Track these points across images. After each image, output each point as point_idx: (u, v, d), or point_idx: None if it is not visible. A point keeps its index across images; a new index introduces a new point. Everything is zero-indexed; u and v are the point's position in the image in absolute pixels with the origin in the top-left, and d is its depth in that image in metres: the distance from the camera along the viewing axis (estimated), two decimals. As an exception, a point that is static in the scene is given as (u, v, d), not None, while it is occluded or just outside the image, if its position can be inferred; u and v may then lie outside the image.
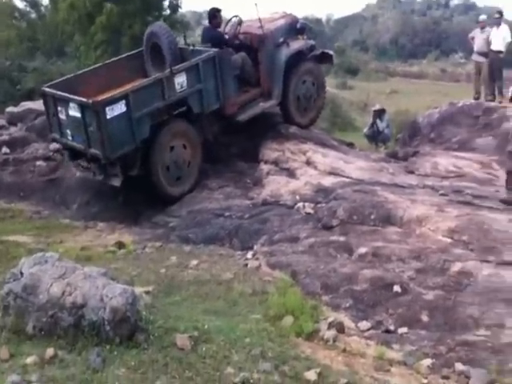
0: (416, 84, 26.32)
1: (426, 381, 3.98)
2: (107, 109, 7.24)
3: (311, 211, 7.21)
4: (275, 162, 8.85)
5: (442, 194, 7.53)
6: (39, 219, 7.85)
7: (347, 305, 5.05)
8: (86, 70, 9.52)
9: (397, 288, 5.14)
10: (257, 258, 6.13)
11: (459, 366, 4.05)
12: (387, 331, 4.66)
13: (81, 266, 4.61)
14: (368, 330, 4.68)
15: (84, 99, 7.43)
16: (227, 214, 7.42)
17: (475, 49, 12.30)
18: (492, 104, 11.30)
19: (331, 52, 10.20)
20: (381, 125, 12.62)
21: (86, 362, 3.75)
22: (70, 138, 7.97)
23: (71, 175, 8.91)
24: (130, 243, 6.72)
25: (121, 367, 3.78)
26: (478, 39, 12.19)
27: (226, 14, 9.56)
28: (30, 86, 13.26)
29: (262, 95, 9.22)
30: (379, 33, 58.42)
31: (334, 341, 4.47)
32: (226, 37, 8.95)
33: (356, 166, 8.64)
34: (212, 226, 7.13)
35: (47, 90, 8.21)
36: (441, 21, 64.09)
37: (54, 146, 9.36)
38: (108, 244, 6.68)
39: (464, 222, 6.29)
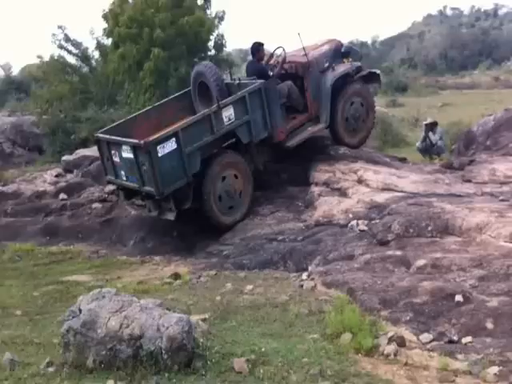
0: (468, 94, 25.68)
1: (493, 389, 3.78)
2: (158, 147, 7.50)
3: (365, 228, 7.10)
4: (326, 184, 8.80)
5: (502, 200, 7.27)
6: (97, 258, 8.05)
7: (407, 318, 4.86)
8: (136, 113, 9.88)
9: (459, 297, 4.92)
10: (312, 279, 6.04)
11: (528, 372, 3.82)
12: (450, 342, 4.45)
13: (137, 298, 4.70)
14: (430, 341, 4.48)
15: (135, 140, 7.72)
16: (280, 237, 7.42)
17: None
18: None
19: (378, 71, 10.31)
20: (433, 137, 12.35)
21: (146, 390, 3.79)
22: (124, 178, 8.28)
23: (126, 214, 9.15)
24: (186, 274, 6.77)
25: (179, 394, 3.79)
26: None
27: (271, 47, 9.82)
28: (84, 135, 13.80)
29: (310, 120, 9.43)
30: (427, 49, 57.67)
31: (395, 355, 4.32)
32: (270, 70, 9.14)
33: (410, 180, 8.48)
34: (265, 251, 7.12)
35: (101, 135, 8.61)
36: (490, 30, 62.80)
37: (109, 188, 9.69)
38: (164, 276, 6.75)
39: (527, 225, 6.01)
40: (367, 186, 8.41)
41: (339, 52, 9.72)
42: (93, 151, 11.32)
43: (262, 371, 4.06)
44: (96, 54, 22.00)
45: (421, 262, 5.84)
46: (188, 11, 20.49)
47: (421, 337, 4.56)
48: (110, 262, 7.74)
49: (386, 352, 4.37)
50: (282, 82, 9.14)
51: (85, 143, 13.37)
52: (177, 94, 10.05)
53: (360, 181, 8.59)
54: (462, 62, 53.08)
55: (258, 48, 9.27)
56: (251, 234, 7.75)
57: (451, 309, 4.85)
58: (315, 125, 9.41)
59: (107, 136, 8.44)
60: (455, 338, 4.49)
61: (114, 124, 9.36)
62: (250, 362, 4.16)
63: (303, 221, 7.94)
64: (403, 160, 10.62)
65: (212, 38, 22.06)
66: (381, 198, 7.82)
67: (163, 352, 4.08)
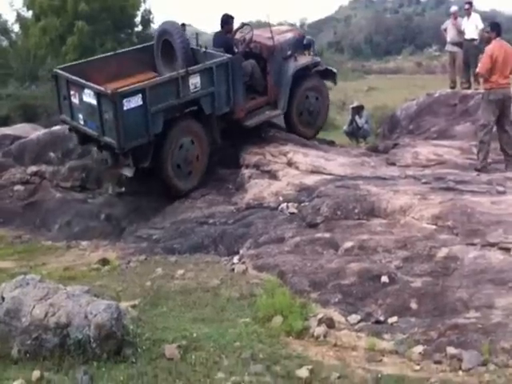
0: (393, 79, 26.48)
1: (418, 367, 3.94)
2: (124, 100, 7.42)
3: (295, 211, 7.18)
4: (256, 166, 8.81)
5: (424, 183, 7.53)
6: (20, 243, 7.73)
7: (336, 300, 4.99)
8: (96, 57, 9.87)
9: (384, 278, 5.10)
10: (243, 262, 6.07)
11: (451, 350, 4.00)
12: (377, 322, 4.61)
13: (64, 285, 4.56)
14: (358, 322, 4.62)
15: (102, 88, 7.60)
16: (211, 221, 7.38)
17: (448, 39, 12.54)
18: (468, 91, 11.42)
19: (335, 70, 10.47)
20: (360, 121, 12.61)
21: (74, 380, 3.71)
22: (81, 122, 8.10)
23: (50, 197, 8.82)
24: (115, 259, 6.64)
25: (109, 383, 3.72)
26: (450, 30, 12.45)
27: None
28: (4, 113, 13.23)
29: (269, 104, 9.50)
30: (353, 33, 58.74)
31: (325, 336, 4.44)
32: (235, 46, 9.14)
33: (337, 163, 8.64)
34: (196, 235, 7.06)
35: (60, 72, 8.35)
36: (413, 17, 64.62)
37: (32, 169, 9.31)
38: (92, 262, 6.58)
39: (447, 207, 6.27)
40: (297, 168, 8.49)
41: (301, 42, 9.84)
42: (14, 130, 10.85)
43: (193, 357, 4.06)
44: (16, 27, 21.06)
45: (348, 244, 5.98)
46: (113, -15, 19.93)
47: (349, 318, 4.70)
48: (33, 248, 7.46)
49: (315, 334, 4.49)
50: (246, 60, 9.14)
51: (5, 121, 12.80)
52: (138, 46, 10.03)
53: (290, 163, 8.65)
54: (387, 47, 54.45)
55: (227, 20, 9.22)
56: (181, 218, 7.65)
57: (377, 290, 5.02)
58: (273, 109, 9.49)
59: (68, 75, 8.16)
60: (382, 318, 4.66)
61: (75, 63, 9.25)
62: (182, 347, 4.15)
63: (234, 204, 7.92)
64: (331, 143, 10.85)
65: (138, 13, 21.61)
66: (310, 180, 7.92)
67: (91, 340, 4.00)
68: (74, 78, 8.03)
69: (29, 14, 20.56)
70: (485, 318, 4.29)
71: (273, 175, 8.46)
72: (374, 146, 10.66)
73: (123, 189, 8.81)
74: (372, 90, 24.07)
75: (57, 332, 4.04)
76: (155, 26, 22.63)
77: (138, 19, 21.94)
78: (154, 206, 8.30)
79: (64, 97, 8.29)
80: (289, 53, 9.48)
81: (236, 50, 8.91)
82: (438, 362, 3.98)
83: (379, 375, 3.84)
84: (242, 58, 9.01)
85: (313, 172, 8.28)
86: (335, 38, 56.82)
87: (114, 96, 7.35)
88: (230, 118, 8.87)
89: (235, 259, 6.23)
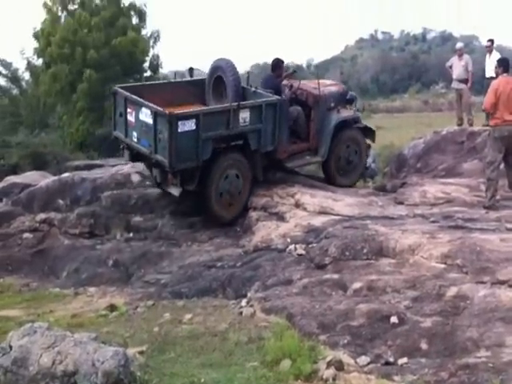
0: (399, 118, 26.66)
1: (429, 409, 3.87)
2: (180, 122, 7.87)
3: (303, 252, 7.16)
4: (264, 208, 8.84)
5: (432, 222, 7.51)
6: (28, 291, 7.70)
7: (345, 341, 4.93)
8: (153, 82, 10.99)
9: (394, 319, 5.04)
10: (251, 305, 6.01)
11: (462, 391, 3.94)
12: (387, 363, 4.53)
13: (71, 332, 4.55)
14: (368, 364, 4.55)
15: (160, 108, 8.02)
16: (219, 264, 7.37)
17: (454, 76, 12.52)
18: (475, 128, 11.45)
19: (374, 128, 10.93)
20: (367, 160, 12.68)
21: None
22: (135, 139, 8.56)
23: (59, 244, 8.86)
24: (122, 305, 6.59)
25: (116, 431, 3.67)
26: (456, 67, 12.44)
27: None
28: (14, 161, 13.41)
29: (309, 150, 9.90)
30: (359, 72, 59.63)
31: (334, 379, 4.36)
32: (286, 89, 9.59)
33: (345, 203, 8.65)
34: (204, 279, 7.04)
35: (119, 90, 8.89)
36: (419, 54, 65.55)
37: (41, 216, 9.37)
38: (99, 308, 6.54)
39: (456, 245, 6.25)
40: (304, 209, 8.51)
41: (345, 97, 10.33)
42: (23, 178, 10.97)
43: (201, 403, 4.01)
44: (26, 75, 21.54)
45: (357, 285, 5.94)
46: (122, 31, 20.35)
47: (358, 360, 4.63)
48: (41, 295, 7.42)
49: (324, 377, 4.40)
50: (291, 106, 9.59)
51: (15, 170, 12.97)
52: (191, 79, 10.37)
53: (297, 205, 8.68)
54: (393, 85, 55.13)
55: (279, 64, 9.71)
56: (189, 262, 7.65)
57: (387, 330, 4.96)
58: (313, 156, 9.90)
59: (127, 93, 8.66)
60: (391, 359, 4.58)
61: (134, 84, 10.34)
62: (190, 394, 4.10)
63: (241, 246, 7.93)
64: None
65: (147, 58, 21.99)
66: (318, 221, 7.93)
67: (99, 388, 3.97)
68: (133, 96, 8.52)
69: (39, 62, 20.99)
70: (495, 357, 4.22)
71: (280, 217, 8.48)
72: (381, 186, 10.68)
73: (131, 234, 8.87)
74: (379, 129, 24.10)
75: (64, 380, 4.03)
76: (164, 70, 23.14)
77: (146, 64, 22.33)
78: (162, 251, 8.29)
79: (120, 114, 8.79)
80: (332, 104, 9.93)
81: (283, 95, 9.31)
82: (449, 403, 3.90)
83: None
84: (289, 102, 9.45)
85: (320, 213, 8.30)
86: (342, 77, 57.63)
87: (171, 117, 7.79)
88: (273, 157, 9.28)
89: (243, 302, 6.18)
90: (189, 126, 7.95)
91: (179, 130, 7.85)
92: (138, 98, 8.41)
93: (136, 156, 8.93)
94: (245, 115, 8.55)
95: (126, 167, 10.60)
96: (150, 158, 8.30)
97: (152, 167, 8.83)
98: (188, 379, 4.32)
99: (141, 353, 4.93)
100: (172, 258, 8.00)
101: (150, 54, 22.25)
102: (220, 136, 8.36)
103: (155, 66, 22.34)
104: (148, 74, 21.90)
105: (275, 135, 8.99)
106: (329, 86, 10.47)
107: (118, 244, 8.68)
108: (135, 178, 10.17)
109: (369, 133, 10.66)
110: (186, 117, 7.98)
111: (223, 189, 8.59)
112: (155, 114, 7.98)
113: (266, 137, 8.88)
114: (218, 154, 8.45)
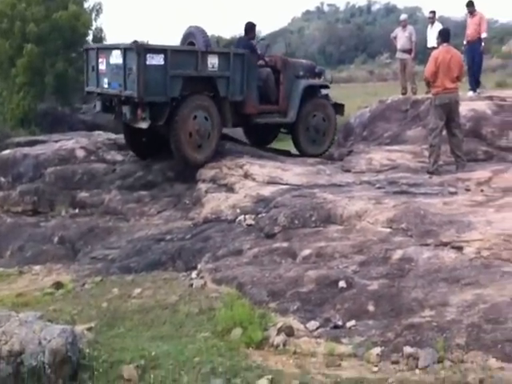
0: (346, 88, 26.81)
1: (376, 369, 3.96)
2: (148, 55, 8.19)
3: (252, 222, 7.17)
4: (213, 180, 8.79)
5: (378, 188, 7.65)
6: (-29, 271, 7.48)
7: (295, 308, 4.97)
8: None
9: (342, 283, 5.12)
10: (202, 277, 6.01)
11: (408, 349, 4.03)
12: (336, 327, 4.60)
13: (16, 312, 4.43)
14: (317, 328, 4.61)
15: (128, 43, 8.38)
16: (168, 237, 7.29)
17: (398, 47, 12.77)
18: (419, 97, 11.66)
19: (343, 103, 11.20)
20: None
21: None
22: (105, 86, 8.90)
23: (1, 223, 8.58)
24: (69, 282, 6.46)
25: (65, 409, 3.62)
26: (400, 38, 12.70)
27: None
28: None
29: (279, 112, 10.24)
30: (306, 44, 59.70)
31: (284, 345, 4.42)
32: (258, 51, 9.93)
33: (294, 173, 8.69)
34: (153, 252, 6.96)
35: (91, 44, 9.73)
36: (364, 26, 66.10)
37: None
38: (45, 286, 6.39)
39: (401, 210, 6.37)
40: (253, 180, 8.50)
41: (313, 69, 10.84)
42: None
43: (152, 376, 4.00)
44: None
45: (306, 252, 6.00)
46: (62, 4, 19.74)
47: (308, 325, 4.68)
48: (-16, 276, 7.22)
49: (275, 343, 4.47)
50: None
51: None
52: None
53: (246, 175, 8.66)
54: (339, 56, 55.50)
55: (251, 27, 10.11)
56: (138, 236, 7.54)
57: (335, 295, 5.03)
58: (283, 117, 10.22)
59: (97, 44, 9.61)
60: (340, 322, 4.66)
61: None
62: (140, 367, 4.08)
63: (191, 219, 7.87)
64: (287, 153, 10.92)
65: (90, 32, 21.46)
66: (267, 191, 7.94)
67: (46, 367, 3.90)
68: (104, 43, 9.28)
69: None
70: (439, 316, 4.34)
71: (230, 188, 8.45)
72: (329, 154, 10.78)
73: (77, 210, 8.68)
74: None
75: (10, 360, 3.94)
76: (108, 43, 22.55)
77: (89, 38, 21.81)
78: (110, 226, 8.16)
79: (93, 68, 9.14)
80: (301, 73, 10.42)
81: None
82: (396, 362, 4.00)
83: (338, 379, 3.84)
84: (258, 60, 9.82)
85: (269, 183, 8.30)
86: (289, 49, 57.53)
87: (139, 49, 8.12)
88: (243, 110, 9.58)
89: (194, 274, 6.17)
90: (157, 60, 8.28)
91: (147, 63, 8.17)
92: (108, 44, 8.84)
93: (107, 107, 9.20)
94: (213, 61, 8.89)
95: (69, 142, 10.32)
96: (120, 97, 8.55)
97: (121, 106, 8.81)
98: (138, 353, 4.27)
99: (89, 329, 4.86)
100: (120, 233, 7.87)
101: (93, 27, 21.72)
102: (189, 77, 8.65)
103: (98, 39, 21.82)
104: (91, 47, 21.35)
105: (243, 86, 9.30)
106: (298, 59, 11.05)
107: (64, 220, 8.50)
108: (80, 153, 9.93)
109: (337, 107, 10.96)
110: (154, 50, 8.38)
111: (192, 128, 8.76)
112: (124, 51, 8.31)
113: (235, 86, 9.18)
114: (188, 95, 8.73)
